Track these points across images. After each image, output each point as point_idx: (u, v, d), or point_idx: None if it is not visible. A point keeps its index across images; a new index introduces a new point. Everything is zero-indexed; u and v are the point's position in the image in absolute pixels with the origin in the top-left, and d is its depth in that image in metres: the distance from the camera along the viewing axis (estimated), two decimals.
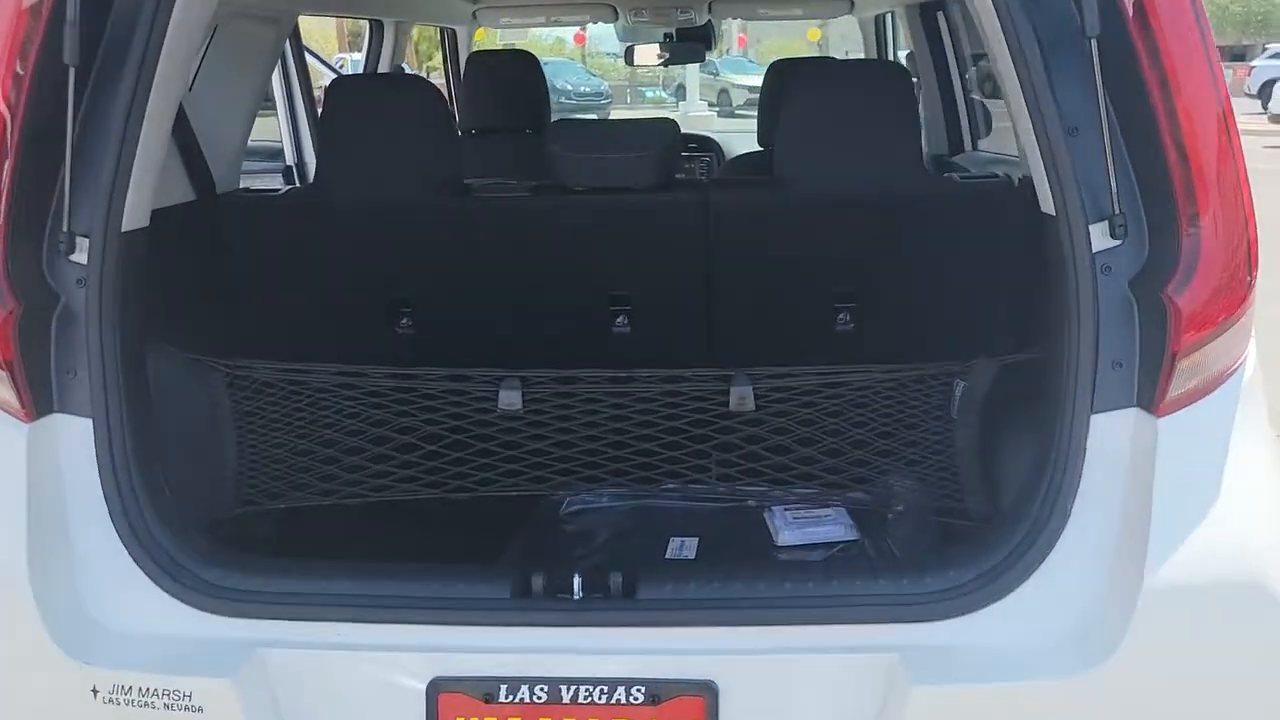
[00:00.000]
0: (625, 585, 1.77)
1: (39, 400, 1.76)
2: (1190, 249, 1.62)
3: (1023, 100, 1.69)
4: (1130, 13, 1.65)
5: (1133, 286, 1.67)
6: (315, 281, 2.52)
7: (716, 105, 23.13)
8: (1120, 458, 1.66)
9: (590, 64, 26.28)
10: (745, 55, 23.59)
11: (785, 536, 2.53)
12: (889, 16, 4.39)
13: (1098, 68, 1.62)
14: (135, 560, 1.77)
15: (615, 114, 21.40)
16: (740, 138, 5.53)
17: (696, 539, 2.55)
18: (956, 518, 1.94)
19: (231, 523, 2.01)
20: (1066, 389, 1.67)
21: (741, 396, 1.97)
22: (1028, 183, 2.29)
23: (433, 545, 2.13)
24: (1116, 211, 1.64)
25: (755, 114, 3.46)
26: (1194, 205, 1.62)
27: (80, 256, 1.78)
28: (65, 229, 1.76)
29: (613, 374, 2.00)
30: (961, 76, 3.63)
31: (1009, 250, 2.24)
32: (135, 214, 1.83)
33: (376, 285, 2.52)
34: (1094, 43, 1.61)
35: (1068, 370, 1.67)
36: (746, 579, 1.74)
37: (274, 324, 2.49)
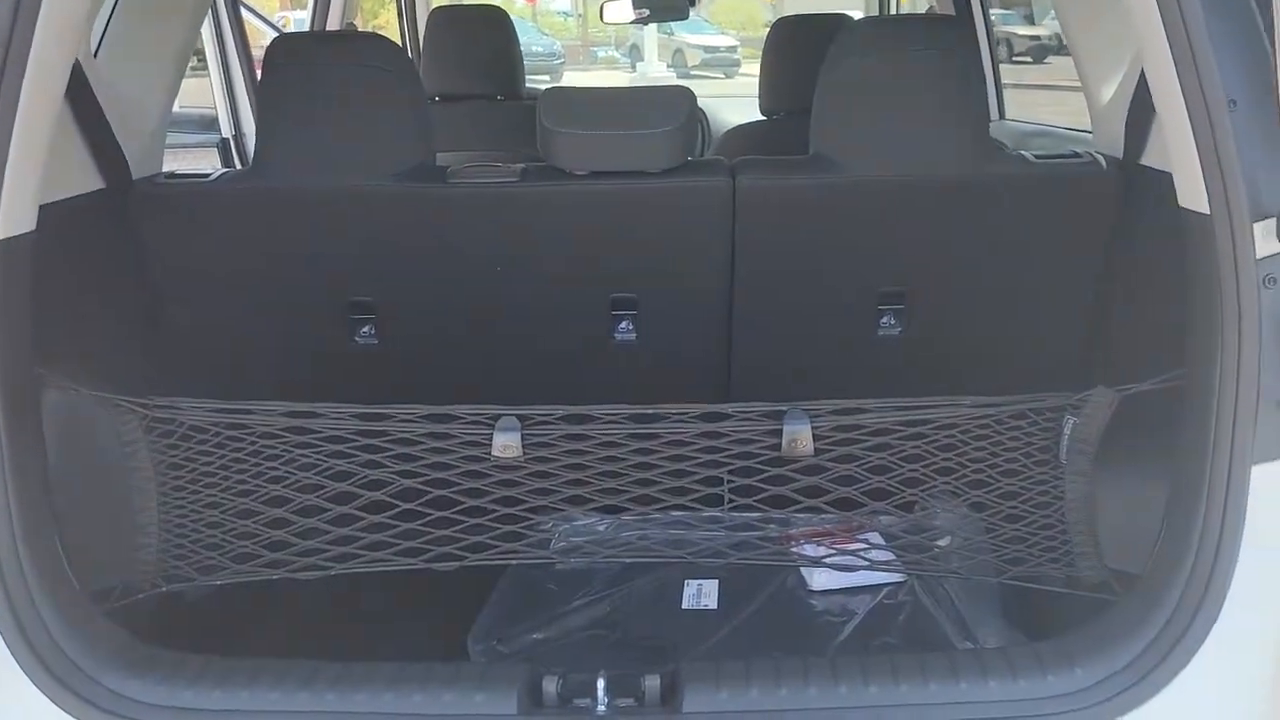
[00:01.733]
0: (664, 689, 1.39)
1: None
2: None
3: (1170, 62, 1.31)
4: None
5: None
6: (257, 286, 2.08)
7: (672, 66, 22.69)
8: None
9: (541, 23, 25.57)
10: (699, 14, 23.15)
11: (819, 580, 2.19)
12: None
13: (1277, 18, 1.25)
14: (19, 662, 1.36)
15: (568, 75, 20.88)
16: (717, 102, 5.12)
17: (716, 583, 2.21)
18: (1065, 586, 1.59)
19: (151, 607, 1.59)
20: (1216, 431, 1.33)
21: (796, 437, 1.58)
22: (1124, 166, 1.95)
23: (408, 621, 1.74)
24: None
25: (710, 74, 3.02)
26: None
27: None
28: None
29: (636, 410, 1.60)
30: (990, 38, 3.25)
31: (1111, 248, 1.87)
32: (16, 215, 1.41)
33: (332, 288, 2.09)
34: None
35: (1218, 407, 1.33)
36: (822, 682, 1.37)
37: (206, 342, 2.05)
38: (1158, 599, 1.36)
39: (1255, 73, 1.32)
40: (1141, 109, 1.88)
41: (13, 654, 1.37)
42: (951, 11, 3.22)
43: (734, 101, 4.96)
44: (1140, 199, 1.87)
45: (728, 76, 20.29)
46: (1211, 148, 1.32)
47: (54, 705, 1.36)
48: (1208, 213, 1.34)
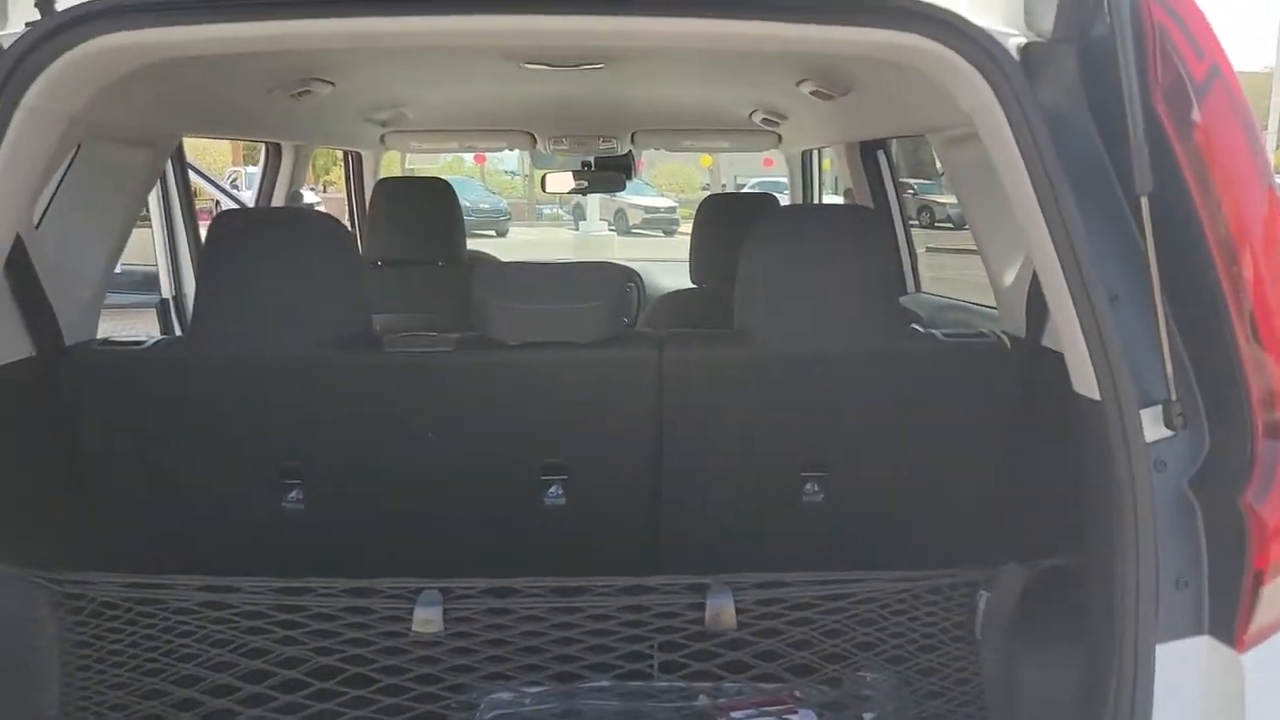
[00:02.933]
0: None
1: None
2: (1271, 449, 1.35)
3: (1056, 262, 1.42)
4: (1182, 161, 1.41)
5: (1192, 487, 1.39)
6: (187, 452, 2.06)
7: (614, 226, 23.47)
8: (1193, 701, 1.35)
9: (489, 181, 26.40)
10: (640, 178, 24.10)
11: None
12: (815, 151, 4.26)
13: (1148, 226, 1.37)
14: None
15: (514, 231, 21.42)
16: (654, 266, 5.30)
17: None
18: None
19: None
20: (1118, 611, 1.37)
21: (719, 610, 1.59)
22: (1027, 345, 2.06)
23: None
24: (1172, 397, 1.38)
25: (650, 233, 3.15)
26: (1272, 391, 1.36)
27: None
28: None
29: (559, 583, 1.61)
30: (902, 216, 3.47)
31: (1015, 424, 1.96)
32: None
33: (262, 454, 2.08)
34: (1145, 200, 1.36)
35: (1117, 587, 1.37)
36: None
37: (134, 508, 2.02)
38: None
39: (1134, 269, 1.43)
40: (1040, 294, 2.00)
41: None
42: (866, 188, 3.44)
43: (671, 266, 5.15)
44: (1041, 378, 1.97)
45: (667, 234, 21.04)
46: (1098, 339, 1.41)
47: None
48: (1098, 399, 1.42)
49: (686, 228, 3.70)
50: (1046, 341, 1.98)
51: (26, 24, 1.43)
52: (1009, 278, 2.18)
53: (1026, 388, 1.99)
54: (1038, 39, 1.49)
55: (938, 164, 2.46)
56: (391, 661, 1.57)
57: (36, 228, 2.05)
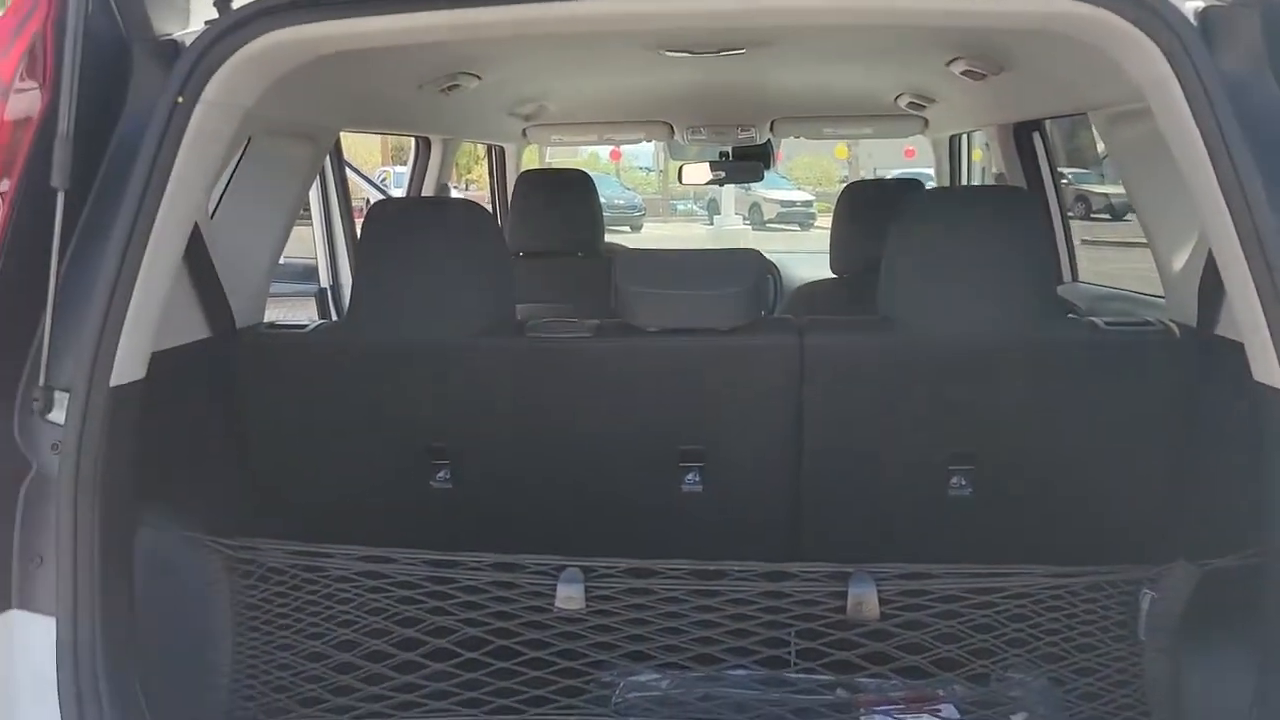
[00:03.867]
0: None
1: None
2: None
3: (1237, 245, 1.34)
4: None
5: None
6: (343, 430, 2.17)
7: (749, 220, 23.30)
8: None
9: (624, 178, 26.68)
10: (776, 170, 23.88)
11: None
12: (964, 136, 4.12)
13: None
14: None
15: (648, 226, 21.56)
16: (792, 257, 5.24)
17: None
18: None
19: None
20: None
21: (861, 600, 1.56)
22: (1198, 335, 1.94)
23: None
24: None
25: (786, 227, 3.09)
26: None
27: (58, 415, 1.47)
28: (42, 382, 1.45)
29: (698, 566, 1.61)
30: (1060, 202, 3.31)
31: (1185, 417, 1.85)
32: (128, 364, 1.52)
33: (413, 434, 2.17)
34: None
35: None
36: None
37: (293, 482, 2.14)
38: None
39: None
40: (1214, 279, 1.88)
41: None
42: (1020, 173, 3.30)
43: (807, 256, 5.08)
44: (1215, 369, 1.85)
45: (803, 229, 20.73)
46: None
47: None
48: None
49: (823, 221, 3.65)
50: (1221, 330, 1.86)
51: (205, 22, 1.53)
52: (1179, 262, 2.06)
53: (1197, 379, 1.87)
54: (1216, 2, 1.39)
55: (1097, 147, 2.34)
56: (535, 635, 1.61)
57: (211, 218, 2.19)
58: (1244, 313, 1.40)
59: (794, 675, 1.82)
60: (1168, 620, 1.50)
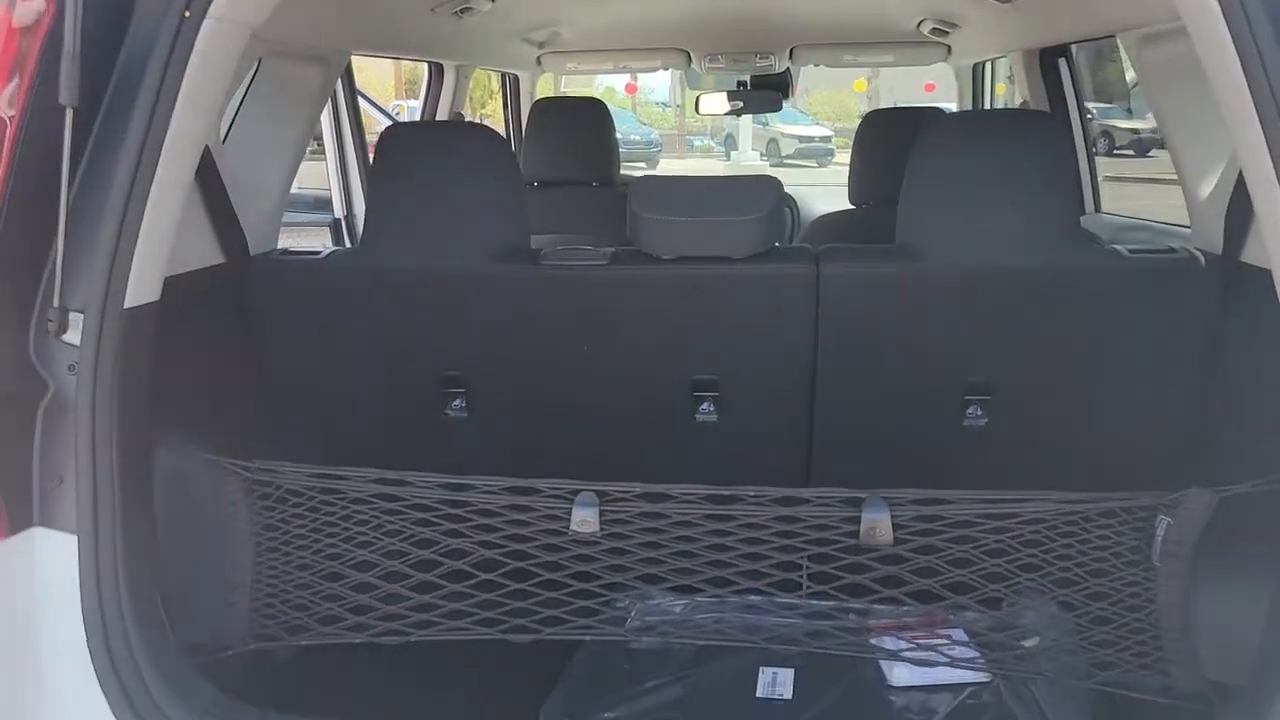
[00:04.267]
0: None
1: (16, 512, 1.46)
2: None
3: (1271, 168, 1.30)
4: None
5: None
6: (358, 358, 2.18)
7: (766, 155, 22.99)
8: None
9: (640, 113, 26.32)
10: (793, 105, 23.53)
11: (899, 675, 2.12)
12: (988, 65, 4.02)
13: None
14: (111, 706, 1.43)
15: (664, 162, 21.31)
16: (810, 190, 5.17)
17: (792, 671, 2.16)
18: (1158, 694, 1.52)
19: (239, 664, 1.64)
20: None
21: (875, 525, 1.56)
22: (1223, 262, 1.91)
23: (483, 691, 1.75)
24: None
25: (803, 163, 3.03)
26: None
27: (73, 337, 1.48)
28: (56, 304, 1.46)
29: (713, 490, 1.61)
30: (1084, 131, 3.24)
31: (1208, 346, 1.83)
32: (143, 285, 1.52)
33: (427, 362, 2.18)
34: None
35: None
36: None
37: (308, 410, 2.15)
38: (1261, 708, 1.29)
39: None
40: (1242, 205, 1.85)
41: (106, 698, 1.43)
42: (1045, 101, 3.23)
43: (825, 190, 5.01)
44: (1240, 296, 1.82)
45: (820, 165, 20.45)
46: None
47: None
48: None
49: (841, 158, 3.59)
50: (1247, 257, 1.83)
51: None
52: (1206, 188, 2.02)
53: (1222, 306, 1.84)
54: None
55: (1125, 80, 2.27)
56: (550, 558, 1.62)
57: (223, 143, 2.17)
58: (1275, 239, 1.37)
59: (806, 600, 1.84)
60: (1183, 546, 1.49)
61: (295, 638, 1.66)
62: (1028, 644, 1.87)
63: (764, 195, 2.06)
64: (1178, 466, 1.81)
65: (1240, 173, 1.82)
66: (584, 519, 1.61)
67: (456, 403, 2.20)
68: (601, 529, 1.61)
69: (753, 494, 1.60)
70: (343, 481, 1.66)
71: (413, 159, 2.14)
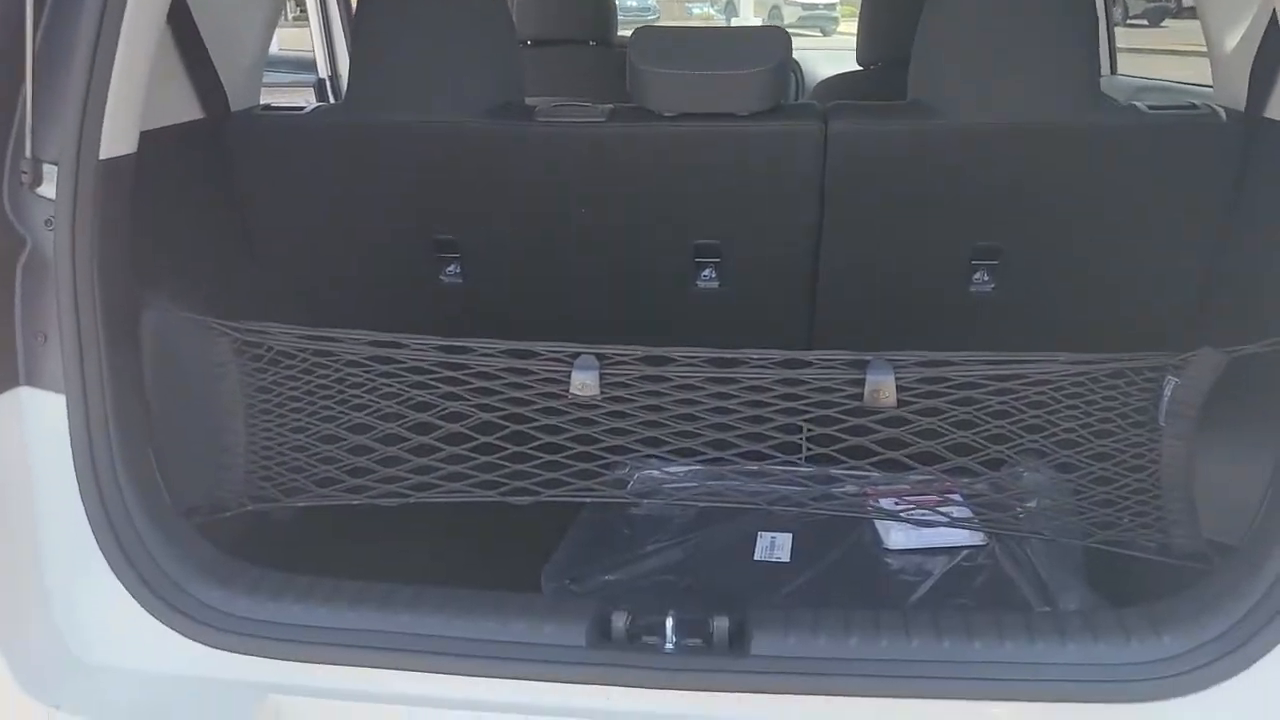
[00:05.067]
0: (733, 633, 1.38)
1: (1, 372, 1.41)
2: None
3: None
4: None
5: None
6: (346, 219, 2.11)
7: (769, 22, 22.24)
8: None
9: None
10: None
11: (896, 538, 2.15)
12: None
13: None
14: (117, 574, 1.43)
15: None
16: (814, 54, 4.97)
17: (790, 536, 2.19)
18: (1157, 553, 1.52)
19: (237, 525, 1.64)
20: None
21: (878, 388, 1.53)
22: (1246, 118, 1.83)
23: (483, 554, 1.76)
24: None
25: (807, 32, 2.86)
26: None
27: (48, 190, 1.42)
28: (28, 154, 1.39)
29: (715, 353, 1.58)
30: None
31: (1227, 205, 1.77)
32: (117, 136, 1.45)
33: (419, 225, 2.11)
34: None
35: None
36: (894, 634, 1.34)
37: (297, 273, 2.09)
38: (1258, 567, 1.29)
39: None
40: (1268, 59, 1.76)
41: (105, 556, 1.43)
42: None
43: (830, 54, 4.82)
44: (1262, 153, 1.75)
45: (824, 34, 19.81)
46: None
47: (142, 609, 1.42)
48: None
49: (846, 27, 3.41)
50: (1272, 113, 1.75)
51: None
52: (1231, 41, 1.91)
53: (1243, 162, 1.77)
54: None
55: None
56: (549, 421, 1.60)
57: None
58: None
59: (805, 467, 1.83)
60: (1190, 407, 1.47)
61: (292, 500, 1.65)
62: (1026, 506, 1.88)
63: (771, 48, 1.95)
64: (1188, 329, 1.77)
65: (1269, 25, 1.72)
66: (584, 382, 1.58)
67: (451, 268, 2.14)
68: (602, 392, 1.58)
69: (756, 357, 1.57)
70: (337, 344, 1.62)
71: (399, 6, 2.02)
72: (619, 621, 1.39)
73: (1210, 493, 1.51)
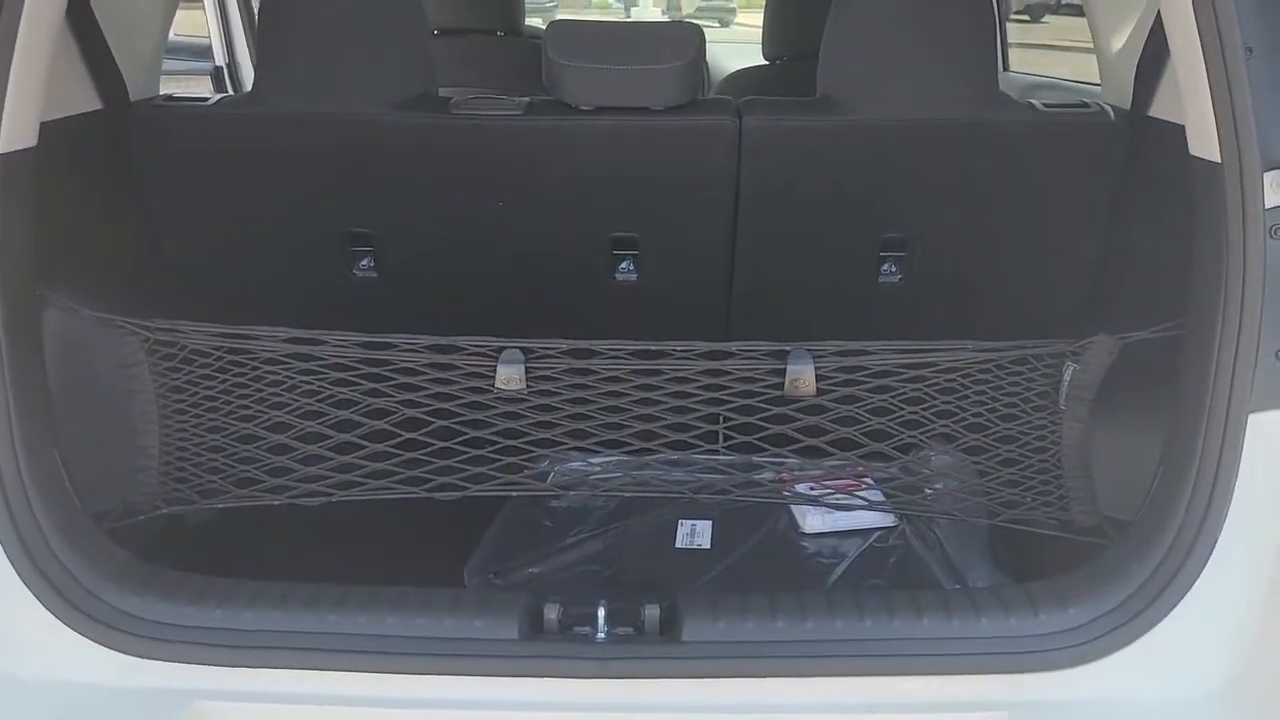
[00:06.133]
0: (663, 620, 1.41)
1: None
2: None
3: (1190, 10, 1.30)
4: None
5: None
6: (255, 214, 2.05)
7: (667, 13, 22.28)
8: None
9: None
10: None
11: (812, 523, 2.21)
12: None
13: None
14: (25, 582, 1.37)
15: (561, 18, 20.34)
16: (716, 47, 5.02)
17: (709, 524, 2.23)
18: (1058, 530, 1.61)
19: (152, 529, 1.59)
20: (1215, 379, 1.34)
21: (798, 377, 1.58)
22: (1132, 117, 1.94)
23: (406, 550, 1.75)
24: None
25: (705, 22, 2.90)
26: None
27: None
28: None
29: (640, 345, 1.60)
30: None
31: (1115, 199, 1.87)
32: (17, 130, 1.39)
33: (330, 218, 2.07)
34: None
35: (1215, 355, 1.34)
36: (819, 615, 1.39)
37: (205, 270, 2.03)
38: (1151, 541, 1.38)
39: (1273, 21, 1.31)
40: (1152, 60, 1.87)
41: (13, 565, 1.37)
42: None
43: (733, 47, 4.88)
44: (1146, 150, 1.86)
45: (723, 25, 19.99)
46: (1226, 95, 1.31)
47: (54, 618, 1.37)
48: (1218, 161, 1.34)
49: (743, 19, 3.47)
50: (1155, 111, 1.86)
51: None
52: (1118, 42, 2.03)
53: (1130, 159, 1.88)
54: None
55: None
56: (474, 416, 1.60)
57: None
58: (1187, 83, 1.39)
59: (726, 455, 1.87)
60: (1086, 391, 1.56)
61: (210, 501, 1.61)
62: (934, 488, 1.97)
63: (686, 44, 1.98)
64: (1084, 316, 1.87)
65: (1153, 26, 1.83)
66: (509, 376, 1.58)
67: (365, 262, 2.10)
68: (527, 386, 1.59)
69: (680, 349, 1.60)
70: (253, 341, 1.59)
71: None
72: (551, 613, 1.40)
73: (1107, 471, 1.60)
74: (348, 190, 2.05)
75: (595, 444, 1.65)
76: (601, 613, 1.41)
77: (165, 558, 1.52)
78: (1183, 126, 1.43)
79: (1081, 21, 2.22)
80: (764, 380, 1.59)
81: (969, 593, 1.45)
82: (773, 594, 1.44)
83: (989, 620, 1.37)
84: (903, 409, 1.61)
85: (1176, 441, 1.41)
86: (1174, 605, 1.34)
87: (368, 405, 1.59)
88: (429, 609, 1.40)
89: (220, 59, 3.40)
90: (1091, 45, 2.18)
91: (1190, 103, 1.39)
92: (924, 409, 1.61)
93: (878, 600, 1.41)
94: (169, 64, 2.94)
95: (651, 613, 1.40)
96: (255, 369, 1.60)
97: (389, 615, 1.39)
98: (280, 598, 1.41)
